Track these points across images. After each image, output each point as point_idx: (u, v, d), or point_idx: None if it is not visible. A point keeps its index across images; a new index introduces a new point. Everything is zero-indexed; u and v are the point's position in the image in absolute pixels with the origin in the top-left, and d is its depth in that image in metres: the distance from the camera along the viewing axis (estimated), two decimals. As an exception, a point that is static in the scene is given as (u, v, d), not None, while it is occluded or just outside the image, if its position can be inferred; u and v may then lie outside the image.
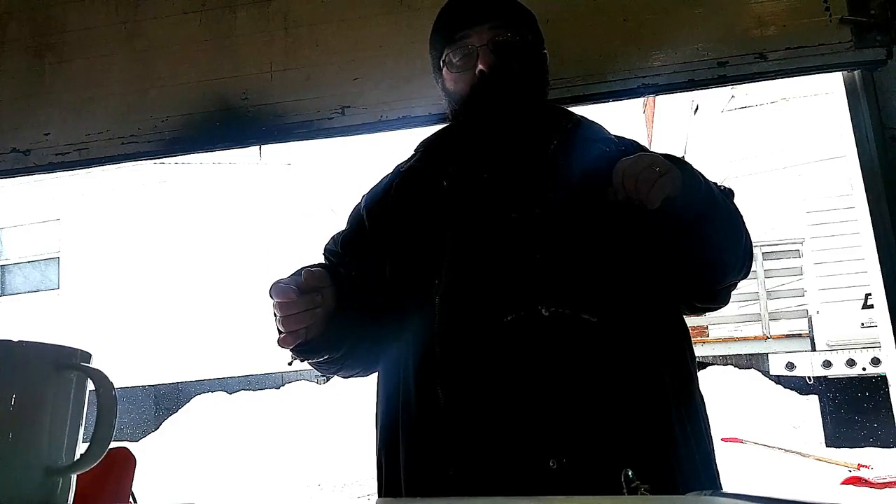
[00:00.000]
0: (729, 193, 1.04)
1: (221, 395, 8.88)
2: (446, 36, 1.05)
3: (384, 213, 1.07)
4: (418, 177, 1.07)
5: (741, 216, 1.03)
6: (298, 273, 0.92)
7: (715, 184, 1.02)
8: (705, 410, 1.01)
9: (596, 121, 1.13)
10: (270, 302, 0.89)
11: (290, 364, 0.98)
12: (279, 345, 0.90)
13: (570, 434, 0.86)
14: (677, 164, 0.95)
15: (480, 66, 0.99)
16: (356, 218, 1.11)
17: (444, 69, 1.06)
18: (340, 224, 1.14)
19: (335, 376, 1.09)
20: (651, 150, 0.99)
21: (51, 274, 9.30)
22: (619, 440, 0.87)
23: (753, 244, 1.07)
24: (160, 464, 6.31)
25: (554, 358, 0.89)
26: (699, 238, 0.94)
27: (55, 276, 9.26)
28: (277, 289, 0.86)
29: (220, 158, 9.46)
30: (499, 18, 1.02)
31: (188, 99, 1.62)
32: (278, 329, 0.90)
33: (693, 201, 0.92)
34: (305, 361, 0.97)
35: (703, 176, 0.99)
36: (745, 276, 1.07)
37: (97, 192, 9.01)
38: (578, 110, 1.18)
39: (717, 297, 1.07)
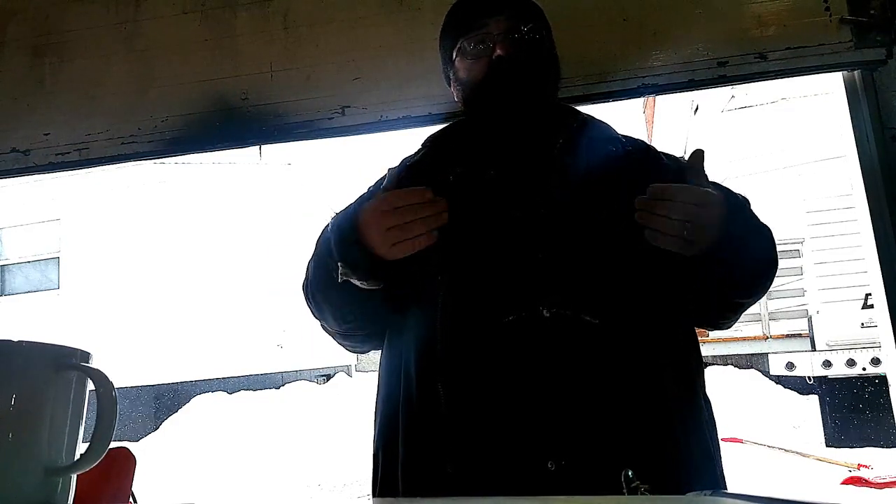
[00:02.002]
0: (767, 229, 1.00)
1: (221, 395, 8.88)
2: (462, 25, 1.05)
3: None
4: (424, 172, 1.06)
5: (773, 241, 0.98)
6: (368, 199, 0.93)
7: (756, 219, 0.96)
8: (710, 411, 1.00)
9: (603, 120, 1.12)
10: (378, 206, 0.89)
11: (341, 278, 0.93)
12: (387, 254, 0.88)
13: (569, 436, 0.86)
14: (728, 207, 0.89)
15: (498, 52, 0.99)
16: None
17: (458, 58, 1.06)
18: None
19: (346, 343, 1.08)
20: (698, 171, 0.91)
21: (51, 274, 9.30)
22: (618, 443, 0.86)
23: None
24: (160, 464, 6.31)
25: (554, 359, 0.89)
26: (727, 274, 0.91)
27: (55, 276, 9.26)
28: (404, 191, 0.87)
29: (220, 158, 9.46)
30: (516, 10, 1.03)
31: (188, 99, 1.62)
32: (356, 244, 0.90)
33: (731, 245, 0.88)
34: (362, 282, 0.93)
35: (748, 207, 0.96)
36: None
37: (97, 192, 9.00)
38: (581, 110, 1.18)
39: (727, 324, 1.06)
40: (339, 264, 0.92)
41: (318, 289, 1.01)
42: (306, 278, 1.05)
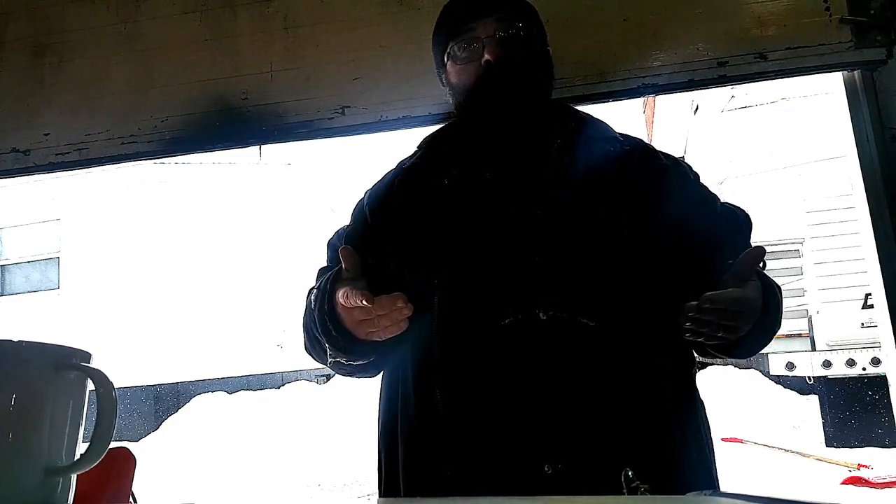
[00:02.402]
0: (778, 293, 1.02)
1: (221, 395, 8.88)
2: (451, 29, 1.04)
3: (386, 210, 1.06)
4: (420, 174, 1.06)
5: (781, 308, 1.01)
6: (335, 276, 0.94)
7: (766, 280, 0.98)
8: (705, 413, 1.00)
9: (601, 119, 1.12)
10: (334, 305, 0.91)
11: (329, 363, 0.99)
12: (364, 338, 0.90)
13: (566, 439, 0.86)
14: (760, 309, 0.91)
15: (487, 57, 0.98)
16: (359, 214, 1.10)
17: (449, 63, 1.05)
18: (341, 222, 1.14)
19: (352, 376, 1.09)
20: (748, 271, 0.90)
21: (51, 274, 9.30)
22: (616, 445, 0.86)
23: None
24: (160, 464, 6.31)
25: (551, 362, 0.89)
26: (737, 349, 0.95)
27: (55, 276, 9.26)
28: (352, 293, 0.86)
29: (220, 158, 9.46)
30: (504, 11, 1.02)
31: (188, 99, 1.62)
32: (334, 333, 0.92)
33: (751, 336, 0.91)
34: (347, 362, 0.97)
35: (778, 298, 0.98)
36: None
37: (97, 192, 9.00)
38: (581, 109, 1.18)
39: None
40: (327, 348, 0.95)
41: (317, 355, 1.03)
42: (304, 334, 1.05)
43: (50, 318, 8.62)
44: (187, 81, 1.63)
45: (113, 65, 1.66)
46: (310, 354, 1.06)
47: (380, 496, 1.02)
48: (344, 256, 0.90)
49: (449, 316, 0.93)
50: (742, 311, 0.86)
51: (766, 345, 0.99)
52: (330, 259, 1.10)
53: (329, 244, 1.12)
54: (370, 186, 1.13)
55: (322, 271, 1.07)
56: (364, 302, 0.83)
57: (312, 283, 1.06)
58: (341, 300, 0.88)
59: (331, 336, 0.94)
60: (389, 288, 0.90)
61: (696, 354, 1.03)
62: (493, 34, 0.99)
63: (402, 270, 0.97)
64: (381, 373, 1.06)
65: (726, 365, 8.35)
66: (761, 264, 0.93)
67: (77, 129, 1.64)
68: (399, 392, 0.97)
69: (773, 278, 1.02)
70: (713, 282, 0.86)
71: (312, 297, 1.00)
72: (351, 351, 0.95)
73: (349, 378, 1.10)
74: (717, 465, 0.99)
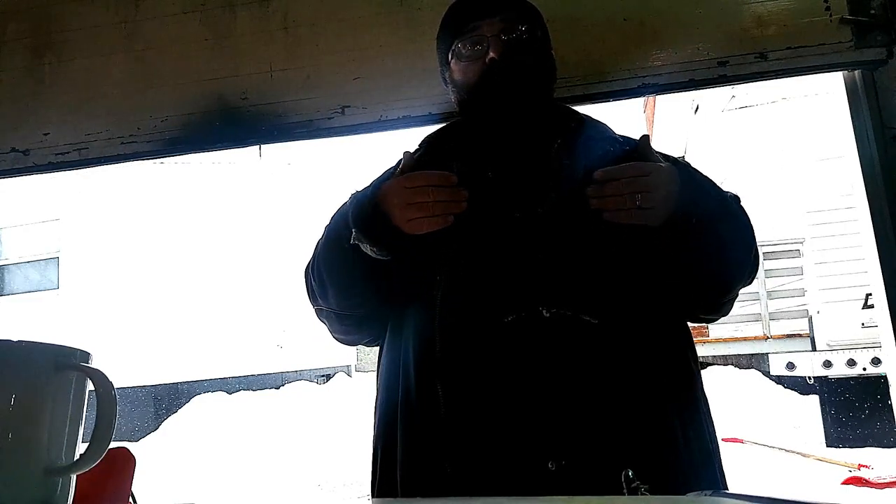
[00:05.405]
0: (735, 199, 1.03)
1: (221, 395, 8.88)
2: (456, 27, 1.05)
3: None
4: None
5: (749, 222, 1.01)
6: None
7: (719, 190, 0.99)
8: (708, 410, 1.00)
9: (601, 120, 1.12)
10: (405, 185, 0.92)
11: (350, 243, 0.95)
12: (403, 227, 0.92)
13: (569, 436, 0.86)
14: (678, 173, 0.93)
15: (491, 55, 0.99)
16: None
17: (453, 61, 1.06)
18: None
19: (342, 325, 1.08)
20: (653, 151, 0.98)
21: (50, 274, 9.30)
22: (618, 442, 0.86)
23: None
24: (160, 464, 6.31)
25: (554, 359, 0.89)
26: (703, 249, 0.93)
27: (55, 276, 9.26)
28: (428, 173, 0.91)
29: (220, 158, 9.46)
30: (510, 11, 1.02)
31: (188, 99, 1.62)
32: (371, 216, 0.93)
33: (692, 213, 0.91)
34: (372, 250, 0.95)
35: (709, 181, 0.98)
36: (750, 282, 1.07)
37: (97, 192, 9.00)
38: (580, 110, 1.18)
39: (721, 308, 1.07)
40: (352, 230, 0.94)
41: (325, 260, 1.02)
42: (313, 255, 1.06)
43: (50, 318, 8.61)
44: (187, 81, 1.63)
45: (112, 65, 1.66)
46: (314, 290, 1.06)
47: (373, 495, 1.02)
48: (407, 161, 0.96)
49: (451, 313, 0.93)
50: (643, 173, 0.90)
51: (740, 253, 0.98)
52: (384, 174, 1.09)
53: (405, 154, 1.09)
54: (370, 182, 1.13)
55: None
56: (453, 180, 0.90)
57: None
58: (405, 181, 0.92)
59: (366, 218, 0.93)
60: (392, 283, 0.91)
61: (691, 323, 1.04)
62: (498, 34, 1.00)
63: (403, 267, 0.97)
64: (378, 369, 1.06)
65: (726, 365, 8.35)
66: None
67: (77, 129, 1.64)
68: (399, 389, 0.97)
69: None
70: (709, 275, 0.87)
71: (340, 208, 1.02)
72: (379, 239, 0.93)
73: (341, 336, 1.09)
74: (723, 464, 0.99)
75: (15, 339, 0.46)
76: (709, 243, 0.93)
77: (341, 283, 1.01)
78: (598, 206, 0.91)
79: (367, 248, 0.94)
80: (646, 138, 0.98)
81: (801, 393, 7.23)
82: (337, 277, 1.01)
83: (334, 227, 1.01)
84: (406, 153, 0.99)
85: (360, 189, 1.03)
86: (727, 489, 0.89)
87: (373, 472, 1.02)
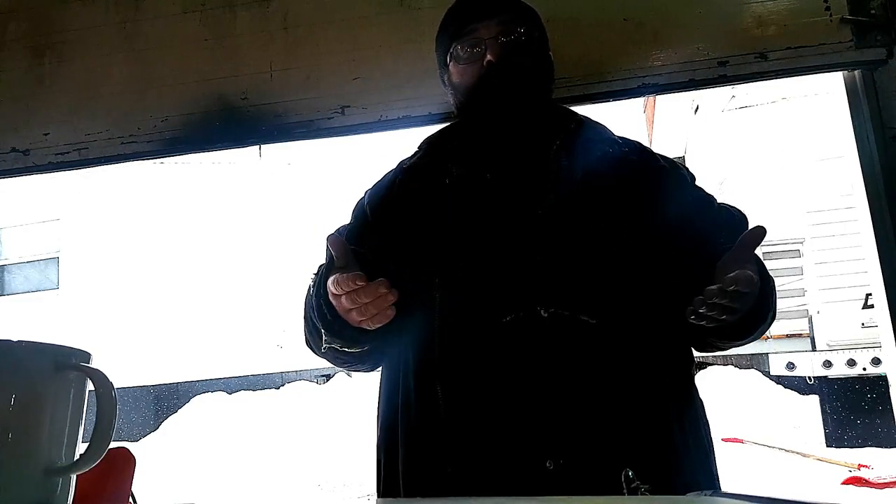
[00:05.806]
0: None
1: (221, 395, 8.88)
2: (454, 30, 1.05)
3: (387, 208, 1.07)
4: (421, 174, 1.07)
5: (774, 291, 0.97)
6: (331, 265, 0.92)
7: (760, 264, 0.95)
8: (704, 412, 1.01)
9: (600, 121, 1.12)
10: (326, 290, 0.89)
11: (324, 350, 0.97)
12: (347, 326, 0.90)
13: (568, 435, 0.87)
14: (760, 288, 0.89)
15: (489, 57, 0.99)
16: (360, 212, 1.11)
17: (451, 63, 1.06)
18: (342, 222, 1.14)
19: (349, 367, 1.08)
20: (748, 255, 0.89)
21: (50, 274, 9.30)
22: (617, 442, 0.87)
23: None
24: (160, 464, 6.31)
25: (552, 359, 0.89)
26: (735, 326, 0.92)
27: (55, 276, 9.26)
28: (342, 278, 0.84)
29: (220, 158, 9.46)
30: (507, 14, 1.03)
31: (188, 99, 1.62)
32: (329, 318, 0.91)
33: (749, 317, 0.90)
34: (342, 349, 0.95)
35: (765, 272, 0.95)
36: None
37: (97, 192, 9.00)
38: (579, 110, 1.18)
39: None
40: (323, 333, 0.94)
41: (314, 344, 1.02)
42: (304, 324, 1.04)
43: (49, 318, 8.61)
44: (187, 81, 1.63)
45: (113, 65, 1.66)
46: (309, 346, 1.06)
47: (378, 495, 1.03)
48: (332, 245, 0.89)
49: (450, 313, 0.93)
50: (750, 292, 0.85)
51: (763, 330, 0.97)
52: (328, 256, 1.10)
53: (328, 239, 1.11)
54: (370, 185, 1.13)
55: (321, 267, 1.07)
56: (358, 283, 0.82)
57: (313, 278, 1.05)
58: (332, 288, 0.87)
59: (326, 320, 0.93)
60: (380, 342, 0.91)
61: (693, 350, 1.03)
62: (496, 36, 1.01)
63: (402, 269, 0.98)
64: (380, 371, 1.06)
65: (726, 365, 8.35)
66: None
67: (77, 129, 1.64)
68: (400, 390, 0.98)
69: (774, 278, 1.01)
70: (709, 279, 0.86)
71: (311, 284, 1.00)
72: (345, 336, 0.94)
73: (347, 370, 1.10)
74: (718, 464, 0.99)
75: (15, 339, 0.46)
76: (744, 328, 0.93)
77: (334, 357, 1.02)
78: (700, 311, 0.83)
79: (340, 348, 0.96)
80: (761, 232, 0.86)
81: (800, 393, 7.22)
82: (330, 356, 1.02)
83: (309, 316, 1.00)
84: (329, 237, 0.93)
85: (322, 264, 1.01)
86: (720, 489, 0.89)
87: (377, 473, 1.03)
